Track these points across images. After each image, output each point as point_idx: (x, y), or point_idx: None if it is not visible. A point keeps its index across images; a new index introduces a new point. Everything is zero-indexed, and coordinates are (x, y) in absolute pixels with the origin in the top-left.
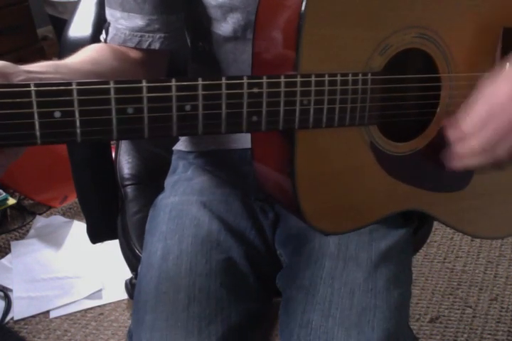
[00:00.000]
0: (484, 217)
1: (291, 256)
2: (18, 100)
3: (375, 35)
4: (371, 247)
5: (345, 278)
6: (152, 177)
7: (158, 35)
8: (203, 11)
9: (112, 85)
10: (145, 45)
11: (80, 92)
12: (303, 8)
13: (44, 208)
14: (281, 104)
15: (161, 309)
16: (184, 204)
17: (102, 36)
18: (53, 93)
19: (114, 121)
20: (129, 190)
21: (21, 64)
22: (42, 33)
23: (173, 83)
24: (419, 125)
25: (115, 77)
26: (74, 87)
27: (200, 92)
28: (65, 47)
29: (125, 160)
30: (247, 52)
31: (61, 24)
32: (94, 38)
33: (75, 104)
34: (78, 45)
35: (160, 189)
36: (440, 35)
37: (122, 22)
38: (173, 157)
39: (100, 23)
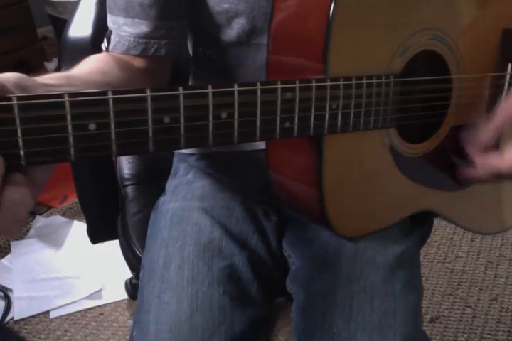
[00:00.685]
0: (492, 211)
1: (303, 259)
2: (51, 112)
3: (396, 37)
4: (387, 251)
5: (364, 282)
6: (152, 178)
7: (163, 41)
8: (208, 17)
9: (148, 93)
10: (150, 52)
11: (116, 101)
12: (331, 11)
13: (44, 208)
14: (312, 109)
15: (163, 320)
16: (185, 210)
17: (104, 45)
18: (88, 103)
19: (151, 131)
20: (129, 190)
21: (21, 64)
22: (42, 33)
23: (210, 90)
24: (430, 126)
25: (122, 87)
26: (110, 96)
27: (236, 99)
28: (65, 47)
29: (125, 161)
30: (252, 56)
31: (61, 24)
32: (94, 38)
33: (111, 114)
34: (78, 45)
35: (160, 189)
36: (451, 36)
37: (126, 28)
38: (174, 159)
39: (100, 23)
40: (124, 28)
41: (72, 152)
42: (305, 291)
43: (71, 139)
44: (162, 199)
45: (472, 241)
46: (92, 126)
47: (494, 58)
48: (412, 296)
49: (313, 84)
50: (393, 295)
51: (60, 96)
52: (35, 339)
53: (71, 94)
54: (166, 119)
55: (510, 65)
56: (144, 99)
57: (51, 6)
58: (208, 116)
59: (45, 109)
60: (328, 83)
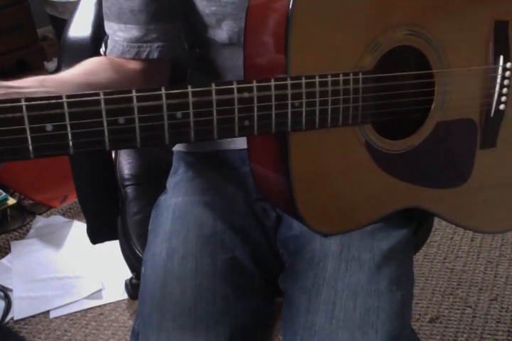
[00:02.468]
0: (486, 211)
1: (293, 257)
2: (9, 115)
3: (365, 34)
4: (373, 248)
5: (348, 279)
6: (152, 178)
7: (156, 45)
8: (199, 19)
9: (102, 97)
10: (143, 56)
11: (71, 105)
12: (290, 10)
13: (44, 208)
14: (273, 107)
15: (167, 309)
16: (187, 204)
17: (102, 49)
18: (44, 106)
19: (106, 132)
20: (129, 190)
21: (21, 64)
22: (42, 33)
23: (163, 91)
24: (414, 122)
25: (112, 89)
26: (64, 99)
27: (191, 100)
28: (65, 47)
29: (125, 161)
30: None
31: (61, 24)
32: (94, 38)
33: (66, 116)
34: (78, 45)
35: (160, 189)
36: (431, 31)
37: (119, 34)
38: (174, 158)
39: (100, 23)
40: (118, 34)
41: (31, 151)
42: (292, 289)
43: (29, 139)
44: (163, 197)
45: (472, 241)
46: (48, 127)
47: (484, 51)
48: (399, 293)
49: (272, 83)
50: (378, 292)
51: (18, 100)
52: (35, 339)
53: (27, 99)
54: (121, 120)
55: (502, 57)
56: (98, 101)
57: (51, 6)
58: (162, 117)
59: (4, 112)
60: (289, 82)
